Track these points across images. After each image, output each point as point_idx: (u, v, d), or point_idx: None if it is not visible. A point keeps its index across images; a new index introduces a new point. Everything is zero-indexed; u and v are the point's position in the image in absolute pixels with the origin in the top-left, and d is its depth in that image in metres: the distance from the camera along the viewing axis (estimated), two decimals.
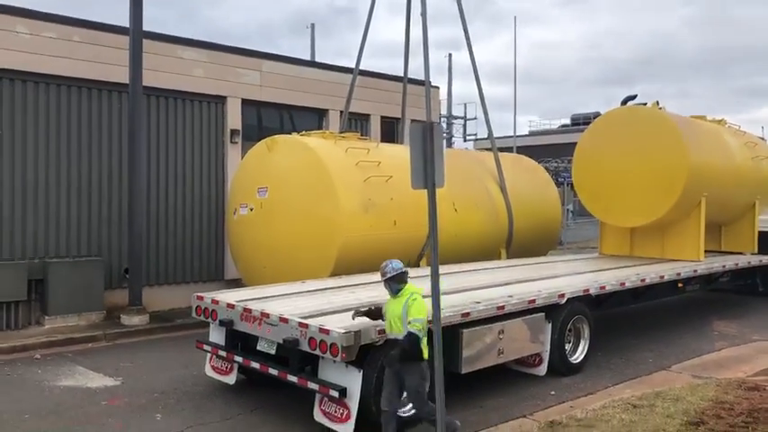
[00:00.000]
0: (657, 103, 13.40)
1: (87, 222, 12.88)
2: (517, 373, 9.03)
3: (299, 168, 11.32)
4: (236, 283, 14.96)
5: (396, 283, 6.43)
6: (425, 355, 6.08)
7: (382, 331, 6.69)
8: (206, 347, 8.32)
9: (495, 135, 14.58)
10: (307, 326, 6.87)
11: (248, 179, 12.06)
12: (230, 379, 8.27)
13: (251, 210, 11.84)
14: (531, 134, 52.32)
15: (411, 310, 6.11)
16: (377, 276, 10.50)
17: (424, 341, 6.10)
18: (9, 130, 12.00)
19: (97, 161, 13.01)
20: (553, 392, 8.52)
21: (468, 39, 13.76)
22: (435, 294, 5.17)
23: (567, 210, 28.93)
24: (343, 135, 12.64)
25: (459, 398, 7.70)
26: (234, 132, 14.84)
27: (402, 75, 15.06)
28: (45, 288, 12.06)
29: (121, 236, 13.18)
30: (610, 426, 6.58)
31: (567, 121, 55.48)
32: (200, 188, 14.49)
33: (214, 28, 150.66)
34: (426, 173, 4.90)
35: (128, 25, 12.39)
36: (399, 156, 13.00)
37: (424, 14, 11.39)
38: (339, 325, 6.75)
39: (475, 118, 45.05)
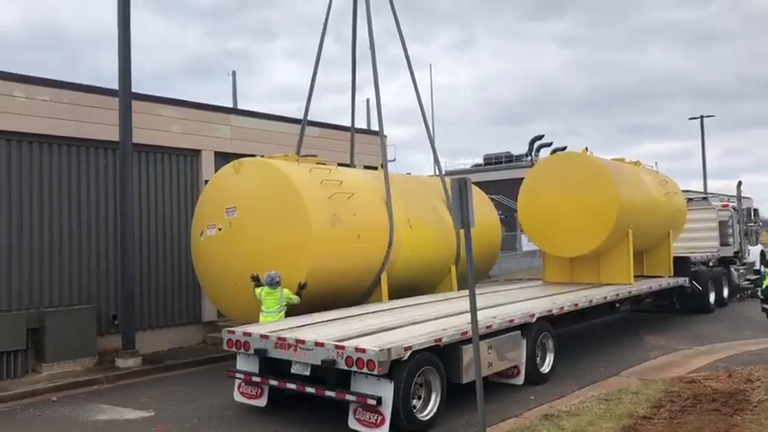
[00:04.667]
0: (587, 149, 15.59)
1: (78, 271, 13.61)
2: (499, 384, 10.57)
3: (269, 186, 11.94)
4: (213, 326, 15.91)
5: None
6: None
7: (408, 348, 8.13)
8: (238, 375, 9.41)
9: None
10: (343, 347, 8.16)
11: (215, 201, 12.53)
12: (261, 402, 9.37)
13: (219, 230, 12.29)
14: (448, 173, 55.11)
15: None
16: (375, 307, 11.89)
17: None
18: (7, 188, 12.70)
19: (86, 214, 13.81)
20: (533, 397, 10.12)
21: (415, 85, 15.09)
22: (473, 311, 6.61)
23: None
24: (303, 157, 13.47)
25: (461, 405, 9.16)
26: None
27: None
28: (42, 336, 12.66)
29: (109, 283, 13.97)
30: (593, 413, 8.20)
31: (479, 161, 59.41)
32: (179, 237, 15.43)
33: (99, 72, 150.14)
34: (463, 216, 6.42)
35: (108, 86, 13.52)
36: (358, 177, 14.23)
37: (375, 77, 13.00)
38: (371, 345, 8.11)
39: (394, 160, 47.54)
